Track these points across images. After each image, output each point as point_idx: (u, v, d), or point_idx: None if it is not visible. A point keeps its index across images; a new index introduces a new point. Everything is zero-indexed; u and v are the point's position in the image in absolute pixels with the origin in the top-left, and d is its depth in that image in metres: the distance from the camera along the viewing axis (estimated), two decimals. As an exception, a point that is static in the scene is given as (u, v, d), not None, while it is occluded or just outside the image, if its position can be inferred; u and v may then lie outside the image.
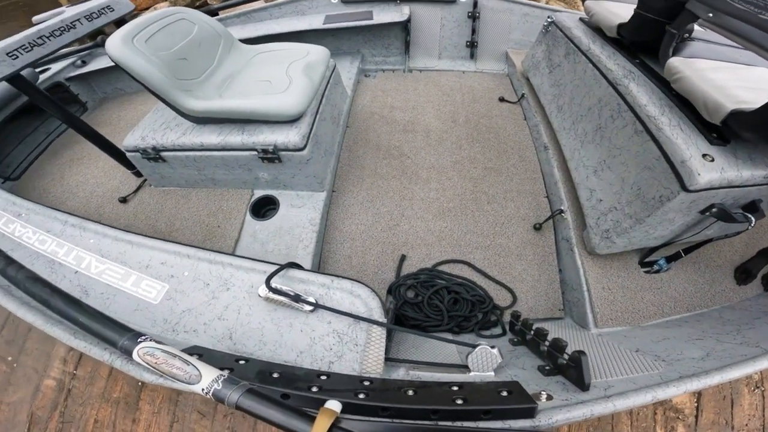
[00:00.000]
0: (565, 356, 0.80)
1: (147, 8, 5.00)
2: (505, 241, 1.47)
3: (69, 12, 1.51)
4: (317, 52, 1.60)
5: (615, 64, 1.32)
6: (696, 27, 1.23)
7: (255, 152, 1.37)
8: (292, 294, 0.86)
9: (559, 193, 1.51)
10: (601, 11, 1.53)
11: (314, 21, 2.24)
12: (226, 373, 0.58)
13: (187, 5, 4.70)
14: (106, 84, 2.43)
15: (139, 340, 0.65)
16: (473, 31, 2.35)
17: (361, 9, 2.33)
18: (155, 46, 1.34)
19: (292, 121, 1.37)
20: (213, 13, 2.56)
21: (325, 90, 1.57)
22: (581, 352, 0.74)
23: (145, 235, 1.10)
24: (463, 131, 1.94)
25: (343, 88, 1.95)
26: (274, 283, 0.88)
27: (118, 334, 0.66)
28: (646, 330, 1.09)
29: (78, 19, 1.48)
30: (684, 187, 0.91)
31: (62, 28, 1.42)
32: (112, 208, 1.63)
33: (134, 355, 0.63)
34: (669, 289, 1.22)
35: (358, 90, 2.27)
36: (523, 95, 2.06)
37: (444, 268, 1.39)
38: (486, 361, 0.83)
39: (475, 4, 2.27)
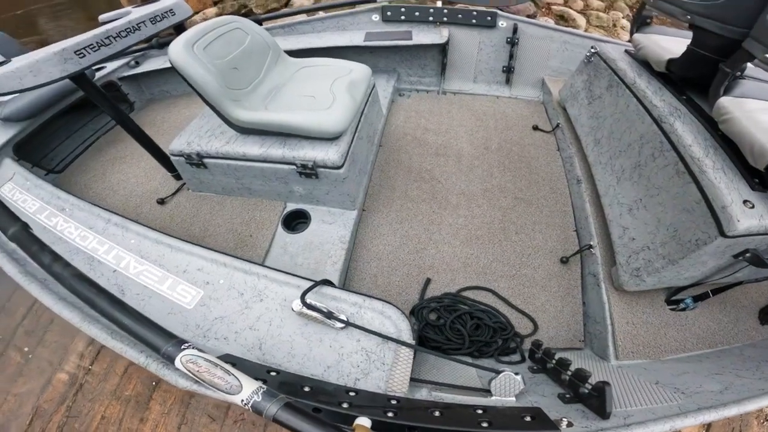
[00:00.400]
0: (588, 386, 0.82)
1: (195, 13, 5.28)
2: (530, 272, 1.47)
3: (135, 13, 1.57)
4: (360, 71, 1.65)
5: (661, 100, 1.30)
6: (749, 65, 1.19)
7: (294, 167, 1.41)
8: (325, 311, 0.88)
9: (590, 228, 1.49)
10: (650, 45, 1.50)
11: (355, 37, 2.30)
12: (264, 386, 0.60)
13: (234, 12, 4.99)
14: (155, 86, 2.54)
15: (182, 347, 0.67)
16: (511, 57, 2.36)
17: (400, 28, 2.38)
18: (212, 55, 1.40)
19: (333, 138, 1.41)
20: (258, 22, 2.70)
21: (364, 108, 1.62)
22: (605, 383, 0.77)
23: (185, 240, 1.14)
24: (495, 158, 1.95)
25: (380, 107, 2.01)
26: (308, 299, 0.90)
27: (163, 340, 0.68)
28: (666, 364, 1.10)
29: (143, 21, 1.53)
30: (722, 233, 0.91)
31: (128, 29, 1.47)
32: (150, 209, 1.68)
33: (177, 362, 0.65)
34: (692, 326, 1.21)
35: (393, 109, 2.32)
36: (558, 125, 2.05)
37: (468, 293, 1.41)
38: (509, 386, 0.86)
39: (515, 30, 2.28)
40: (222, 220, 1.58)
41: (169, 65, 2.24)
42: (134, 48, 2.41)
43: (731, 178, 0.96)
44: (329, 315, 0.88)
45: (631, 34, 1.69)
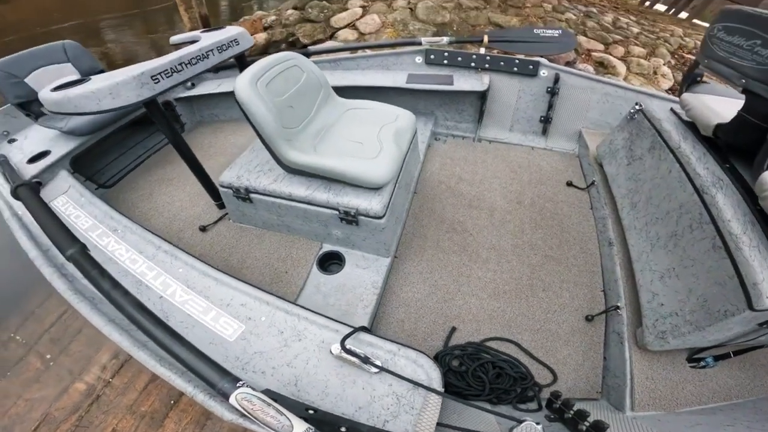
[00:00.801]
0: None
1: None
2: (554, 327, 1.49)
3: (204, 41, 1.62)
4: (405, 118, 1.69)
5: (704, 168, 1.29)
6: None
7: (337, 212, 1.45)
8: (362, 356, 0.94)
9: (618, 290, 1.48)
10: (698, 106, 1.46)
11: (398, 78, 2.35)
12: (313, 427, 0.66)
13: (282, 40, 5.33)
14: (205, 108, 2.65)
15: (238, 385, 0.73)
16: (549, 107, 2.34)
17: (442, 72, 2.41)
18: (272, 92, 1.43)
19: (376, 188, 1.44)
20: (307, 55, 2.81)
21: (405, 157, 1.65)
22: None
23: (230, 275, 1.19)
24: (527, 214, 1.94)
25: (418, 153, 2.04)
26: (346, 344, 0.96)
27: (219, 376, 0.75)
28: (681, 416, 1.13)
29: (212, 50, 1.57)
30: (750, 306, 0.93)
31: (198, 57, 1.50)
32: (192, 235, 1.74)
33: (232, 399, 0.71)
34: (710, 382, 1.23)
35: (429, 154, 2.35)
36: (593, 182, 2.03)
37: (491, 343, 1.44)
38: None
39: (557, 80, 2.27)
40: (260, 253, 1.63)
41: (221, 90, 2.39)
42: None
43: (765, 256, 0.97)
44: (365, 360, 0.93)
45: (680, 92, 1.65)
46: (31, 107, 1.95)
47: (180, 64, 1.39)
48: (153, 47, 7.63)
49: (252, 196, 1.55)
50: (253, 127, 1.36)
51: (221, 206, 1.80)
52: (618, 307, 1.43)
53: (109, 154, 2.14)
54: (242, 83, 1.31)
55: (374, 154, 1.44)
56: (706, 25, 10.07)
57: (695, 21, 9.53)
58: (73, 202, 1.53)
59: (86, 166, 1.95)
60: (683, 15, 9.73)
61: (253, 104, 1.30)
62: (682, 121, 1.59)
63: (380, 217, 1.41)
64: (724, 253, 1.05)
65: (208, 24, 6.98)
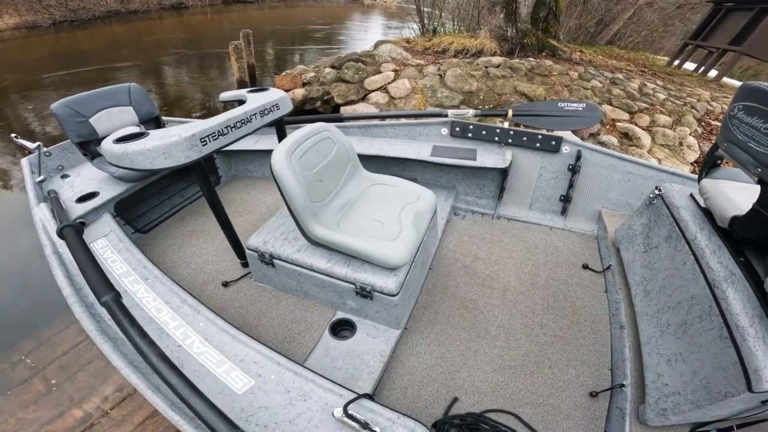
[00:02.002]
0: None
1: (286, 91, 6.30)
2: (557, 402, 1.51)
3: (250, 104, 1.72)
4: (426, 199, 1.79)
5: (718, 262, 1.29)
6: None
7: (353, 286, 1.54)
8: (362, 422, 1.01)
9: (625, 370, 1.52)
10: (716, 195, 1.45)
11: (423, 150, 2.44)
12: None
13: (318, 98, 5.83)
14: (241, 163, 2.84)
15: None
16: (570, 185, 2.37)
17: (466, 145, 2.52)
18: (304, 165, 1.52)
19: (392, 268, 1.53)
20: (341, 120, 2.94)
21: (424, 236, 1.73)
22: None
23: (247, 334, 1.28)
24: (539, 296, 1.97)
25: (436, 231, 2.11)
26: (349, 409, 1.04)
27: (228, 429, 0.83)
28: None
29: (255, 114, 1.68)
30: (750, 389, 0.98)
31: (242, 121, 1.60)
32: (214, 288, 1.85)
33: None
34: None
35: (447, 230, 2.41)
36: (609, 266, 2.05)
37: (492, 415, 1.47)
38: None
39: (578, 157, 2.29)
40: (276, 313, 1.73)
41: (257, 147, 2.62)
42: None
43: None
44: (365, 425, 1.00)
45: (699, 178, 1.66)
46: (89, 147, 2.06)
47: (226, 127, 1.51)
48: (202, 90, 8.53)
49: (275, 261, 1.67)
50: (284, 198, 1.46)
51: (245, 265, 1.91)
52: (623, 385, 1.46)
53: (148, 202, 2.29)
54: (278, 156, 1.42)
55: (393, 235, 1.54)
56: (737, 84, 10.09)
57: (725, 79, 9.64)
58: (111, 246, 1.67)
59: (127, 211, 2.08)
60: (713, 73, 9.89)
61: (287, 178, 1.41)
62: (699, 209, 1.59)
63: (394, 295, 1.49)
64: (729, 342, 1.09)
65: (253, 73, 7.79)
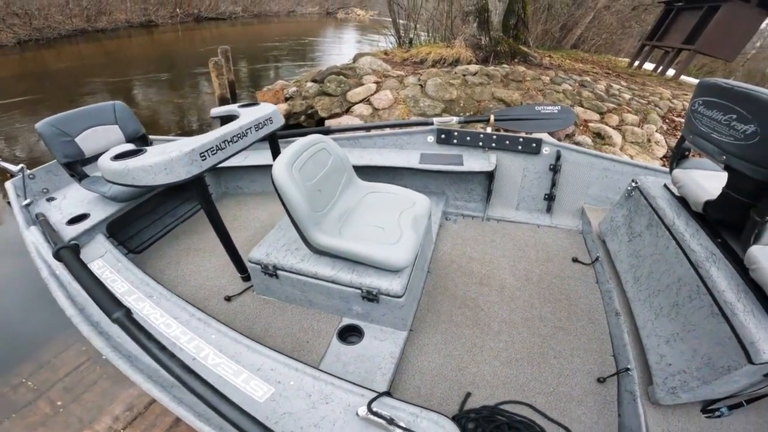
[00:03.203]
0: None
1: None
2: (567, 390, 1.56)
3: (244, 118, 1.71)
4: (422, 204, 1.86)
5: (698, 244, 1.40)
6: None
7: (359, 291, 1.57)
8: (387, 417, 1.03)
9: (627, 355, 1.58)
10: (689, 183, 1.57)
11: (411, 158, 2.54)
12: None
13: (302, 112, 5.84)
14: (231, 180, 2.82)
15: None
16: (553, 184, 2.51)
17: (452, 151, 2.62)
18: (304, 176, 1.54)
19: (396, 270, 1.58)
20: (326, 133, 3.05)
21: (423, 239, 1.79)
22: None
23: (261, 343, 1.29)
24: (535, 290, 2.07)
25: (431, 235, 2.20)
26: (372, 406, 1.06)
27: None
28: None
29: (250, 128, 1.67)
30: (750, 361, 1.03)
31: (238, 135, 1.59)
32: (217, 303, 1.85)
33: None
34: (728, 429, 1.28)
35: (440, 234, 2.48)
36: (597, 258, 2.17)
37: (506, 407, 1.51)
38: None
39: (558, 157, 2.44)
40: (282, 324, 1.74)
41: (247, 163, 2.61)
42: None
43: (759, 319, 1.08)
44: (390, 421, 1.02)
45: (671, 168, 1.78)
46: (75, 167, 2.01)
47: (223, 141, 1.50)
48: (177, 111, 8.43)
49: (279, 272, 1.68)
50: (286, 209, 1.47)
51: (246, 279, 1.91)
52: (629, 369, 1.52)
53: (140, 222, 2.27)
54: (279, 168, 1.43)
55: (395, 239, 1.59)
56: (693, 81, 10.55)
57: (682, 78, 10.25)
58: (109, 267, 1.64)
59: (119, 232, 2.05)
60: (670, 72, 10.40)
61: (289, 189, 1.42)
62: (675, 197, 1.72)
63: (400, 297, 1.54)
64: (721, 318, 1.16)
65: (234, 89, 7.80)
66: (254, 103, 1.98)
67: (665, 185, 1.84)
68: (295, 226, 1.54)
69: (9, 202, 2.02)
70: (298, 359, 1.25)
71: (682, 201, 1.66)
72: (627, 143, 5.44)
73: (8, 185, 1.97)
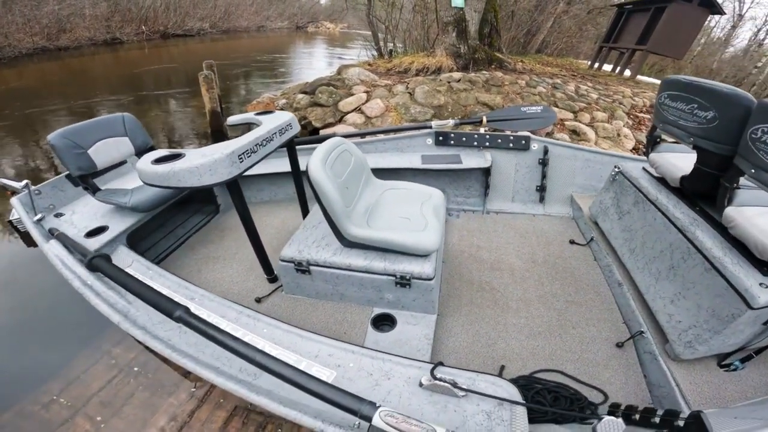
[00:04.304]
0: (681, 419, 1.01)
1: (269, 112, 6.38)
2: (591, 356, 1.69)
3: (268, 123, 1.73)
4: (437, 196, 2.01)
5: (681, 213, 1.59)
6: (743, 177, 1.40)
7: (393, 278, 1.65)
8: (451, 381, 1.10)
9: (637, 319, 1.74)
10: (664, 164, 1.77)
11: (413, 160, 2.72)
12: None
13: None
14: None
15: (377, 405, 0.92)
16: (543, 176, 2.75)
17: (450, 152, 2.82)
18: (335, 173, 1.62)
19: (425, 255, 1.68)
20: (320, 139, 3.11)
21: (444, 226, 1.95)
22: (699, 411, 0.97)
23: (312, 331, 1.33)
24: (543, 270, 2.25)
25: (444, 219, 2.33)
26: (436, 373, 1.14)
27: (359, 403, 0.93)
28: (735, 409, 1.21)
29: (275, 132, 1.72)
30: (749, 306, 1.18)
31: (267, 139, 1.63)
32: (249, 305, 1.77)
33: (375, 419, 0.89)
34: (747, 380, 1.42)
35: (447, 228, 2.63)
36: (592, 238, 2.39)
37: (540, 375, 1.63)
38: (613, 428, 1.02)
39: (546, 152, 2.68)
40: (317, 319, 1.79)
41: (253, 173, 2.65)
42: None
43: (747, 269, 1.25)
44: (454, 384, 1.08)
45: (647, 153, 1.98)
46: (88, 180, 1.99)
47: (256, 145, 1.54)
48: (167, 127, 8.28)
49: (312, 268, 1.74)
50: (321, 205, 1.54)
51: (272, 280, 1.97)
52: (642, 332, 1.68)
53: (156, 234, 2.29)
54: (315, 165, 1.51)
55: (422, 227, 1.71)
56: (648, 80, 11.32)
57: (638, 77, 11.01)
58: (140, 275, 1.64)
59: (138, 244, 2.06)
60: (627, 73, 11.13)
61: (325, 184, 1.49)
62: (654, 177, 1.91)
63: (431, 279, 1.63)
64: (715, 273, 1.31)
65: (221, 104, 7.77)
66: (269, 111, 2.06)
67: (643, 168, 2.09)
68: (329, 220, 1.60)
69: (10, 221, 2.01)
70: (349, 342, 1.31)
71: (660, 180, 1.90)
72: (600, 138, 5.87)
73: (14, 201, 1.95)
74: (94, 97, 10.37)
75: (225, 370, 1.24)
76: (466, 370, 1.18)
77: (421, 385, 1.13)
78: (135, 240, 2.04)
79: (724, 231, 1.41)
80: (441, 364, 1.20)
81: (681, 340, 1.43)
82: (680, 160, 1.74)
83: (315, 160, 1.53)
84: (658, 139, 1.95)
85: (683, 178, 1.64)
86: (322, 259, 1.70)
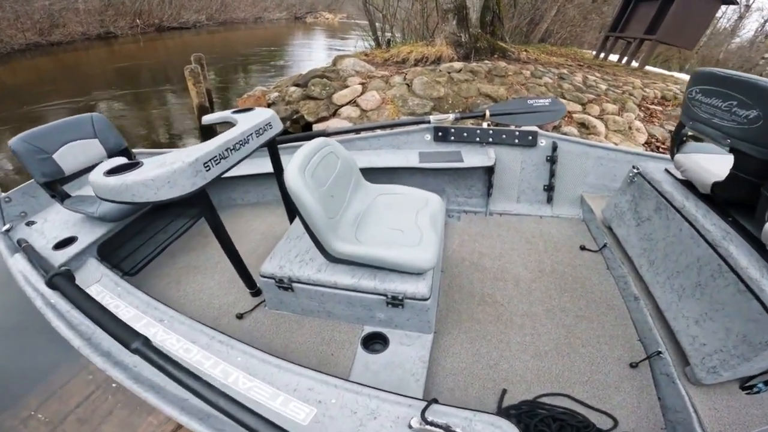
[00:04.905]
0: None
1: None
2: (602, 377, 1.57)
3: (243, 123, 1.62)
4: (435, 202, 1.86)
5: (712, 224, 1.43)
6: None
7: (384, 297, 1.53)
8: (444, 425, 0.98)
9: (655, 338, 1.60)
10: (693, 167, 1.60)
11: (410, 157, 2.53)
12: None
13: (287, 117, 5.77)
14: (223, 192, 2.73)
15: None
16: (552, 175, 2.56)
17: (450, 148, 2.61)
18: (317, 182, 1.49)
19: (421, 272, 1.54)
20: (325, 135, 2.96)
21: (442, 238, 1.79)
22: None
23: (291, 362, 1.21)
24: (551, 281, 2.08)
25: (443, 229, 2.18)
26: (427, 415, 1.02)
27: None
28: None
29: (251, 134, 1.59)
30: None
31: (240, 142, 1.51)
32: (228, 322, 1.77)
33: None
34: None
35: (447, 232, 2.46)
36: (605, 245, 2.21)
37: (544, 399, 1.50)
38: None
39: (555, 148, 2.49)
40: (302, 339, 1.67)
41: (240, 174, 2.49)
42: None
43: None
44: (447, 429, 0.98)
45: (672, 154, 1.82)
46: (56, 187, 1.88)
47: (226, 150, 1.42)
48: (146, 125, 8.14)
49: (294, 285, 1.62)
50: (301, 218, 1.41)
51: (255, 294, 1.85)
52: (660, 352, 1.53)
53: (132, 242, 2.16)
54: (293, 174, 1.37)
55: (416, 240, 1.57)
56: (657, 71, 11.07)
57: (646, 68, 10.73)
58: (108, 292, 1.54)
59: (111, 254, 1.94)
60: (634, 64, 10.85)
61: (304, 196, 1.35)
62: (678, 181, 1.76)
63: (426, 299, 1.51)
64: (749, 295, 1.18)
65: (210, 97, 7.61)
66: (249, 109, 1.91)
67: (666, 170, 1.89)
68: (311, 234, 1.48)
69: None
70: (332, 374, 1.21)
71: (687, 185, 1.70)
72: (610, 131, 5.65)
73: None
74: (85, 93, 10.28)
75: (195, 404, 1.11)
76: (463, 408, 1.07)
77: (410, 427, 1.02)
78: (109, 250, 1.92)
79: (762, 248, 1.27)
80: (435, 401, 1.08)
81: (704, 365, 1.32)
82: (712, 164, 1.58)
83: (292, 168, 1.39)
84: (685, 138, 1.79)
85: (715, 185, 1.47)
86: (305, 276, 1.58)
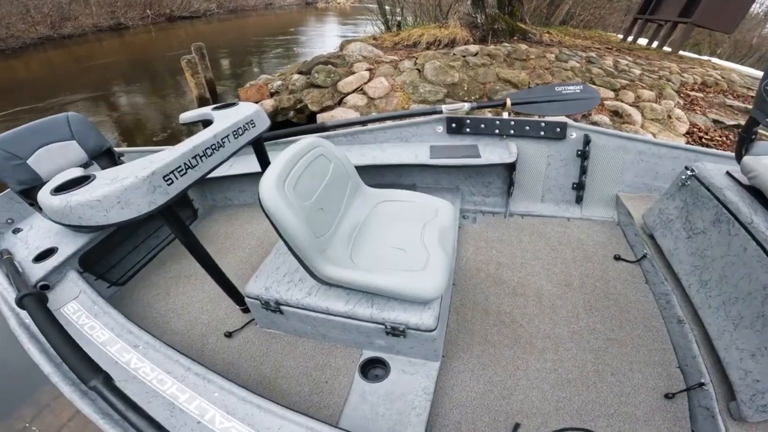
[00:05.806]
0: None
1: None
2: (631, 410, 1.44)
3: (218, 124, 1.52)
4: (446, 212, 1.68)
5: None
6: None
7: (382, 326, 1.41)
8: None
9: (699, 368, 1.45)
10: (765, 172, 1.42)
11: (419, 152, 2.34)
12: None
13: (290, 107, 5.64)
14: (217, 191, 2.64)
15: None
16: (582, 172, 2.33)
17: (465, 142, 2.42)
18: (301, 194, 1.35)
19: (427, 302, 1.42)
20: (324, 128, 2.72)
21: (453, 257, 1.64)
22: None
23: (274, 402, 1.13)
24: (579, 297, 1.90)
25: (455, 244, 2.00)
26: None
27: None
28: None
29: (227, 136, 1.49)
30: None
31: (213, 147, 1.40)
32: (216, 341, 1.69)
33: None
34: None
35: (461, 236, 2.29)
36: (645, 255, 1.99)
37: None
38: None
39: (587, 141, 2.26)
40: (295, 362, 1.58)
41: (233, 172, 2.37)
42: None
43: None
44: None
45: (738, 155, 1.65)
46: (34, 195, 1.77)
47: (194, 157, 1.29)
48: (162, 113, 8.17)
49: (283, 308, 1.51)
50: (283, 238, 1.27)
51: (246, 311, 1.73)
52: (703, 384, 1.40)
53: (119, 249, 2.06)
54: (268, 188, 1.21)
55: (422, 264, 1.41)
56: (692, 55, 10.52)
57: (681, 53, 10.14)
58: (85, 311, 1.45)
59: (96, 264, 1.87)
60: (666, 48, 10.35)
61: (282, 214, 1.21)
62: (745, 188, 1.54)
63: (432, 330, 1.38)
64: None
65: (213, 87, 7.52)
66: (232, 104, 1.78)
67: (728, 172, 1.65)
68: (297, 257, 1.34)
69: None
70: (315, 406, 1.15)
71: (755, 193, 1.49)
72: (647, 120, 5.26)
73: None
74: (99, 89, 10.50)
75: None
76: None
77: None
78: (94, 259, 1.84)
79: None
80: None
81: (753, 402, 1.21)
82: None
83: (268, 182, 1.23)
84: (754, 137, 1.61)
85: None
86: (294, 300, 1.47)
